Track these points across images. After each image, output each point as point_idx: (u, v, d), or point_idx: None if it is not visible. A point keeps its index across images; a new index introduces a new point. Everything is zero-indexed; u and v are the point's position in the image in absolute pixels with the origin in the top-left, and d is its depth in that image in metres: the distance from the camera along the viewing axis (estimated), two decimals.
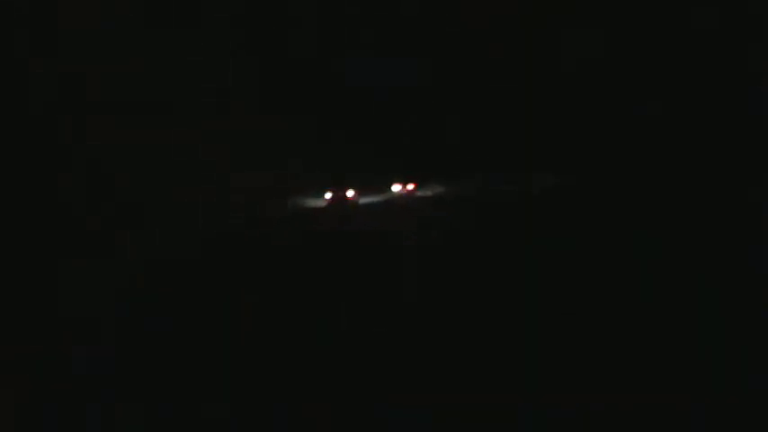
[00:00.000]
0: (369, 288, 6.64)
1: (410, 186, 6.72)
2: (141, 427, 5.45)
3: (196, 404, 5.61)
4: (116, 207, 6.92)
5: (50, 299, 6.64)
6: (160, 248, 6.90)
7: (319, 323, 6.55)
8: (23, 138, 6.83)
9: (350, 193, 6.66)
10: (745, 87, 6.44)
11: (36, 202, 6.82)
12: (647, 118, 6.70)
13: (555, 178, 6.64)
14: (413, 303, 6.53)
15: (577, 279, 6.40)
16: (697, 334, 5.74)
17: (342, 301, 6.62)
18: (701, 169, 6.51)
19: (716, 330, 5.71)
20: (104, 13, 6.90)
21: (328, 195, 6.66)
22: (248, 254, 6.89)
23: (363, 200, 6.71)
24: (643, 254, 6.37)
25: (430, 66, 6.82)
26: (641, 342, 5.77)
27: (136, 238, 6.89)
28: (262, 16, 6.96)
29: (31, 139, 6.84)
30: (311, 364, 6.05)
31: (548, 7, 6.86)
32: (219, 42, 6.80)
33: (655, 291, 6.16)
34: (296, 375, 5.91)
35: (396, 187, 6.70)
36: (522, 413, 5.12)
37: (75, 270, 6.75)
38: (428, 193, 6.79)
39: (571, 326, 6.02)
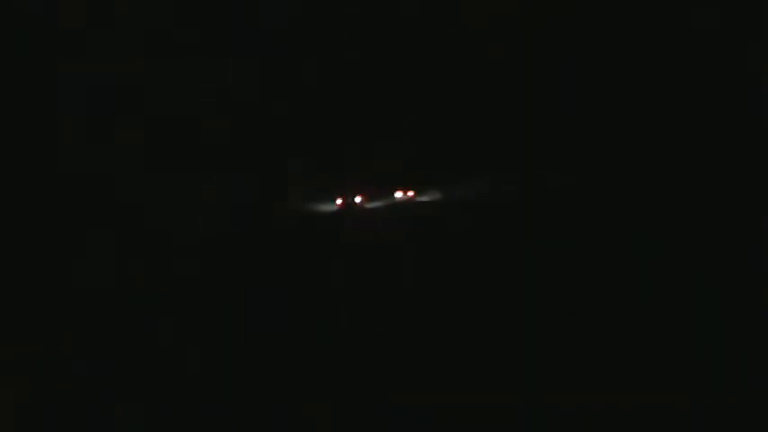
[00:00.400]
0: (372, 288, 6.65)
1: (410, 193, 6.96)
2: (141, 427, 5.46)
3: (196, 404, 5.61)
4: (116, 207, 6.93)
5: (50, 299, 6.65)
6: (162, 248, 6.91)
7: (320, 323, 6.56)
8: (23, 137, 6.84)
9: (358, 199, 6.91)
10: (745, 87, 6.45)
11: (35, 201, 6.82)
12: (647, 118, 6.70)
13: (555, 178, 6.64)
14: (413, 303, 6.53)
15: (577, 279, 6.40)
16: (697, 334, 5.74)
17: (344, 301, 6.63)
18: (701, 169, 6.52)
19: (716, 330, 5.72)
20: (105, 12, 6.91)
21: (339, 201, 6.93)
22: (258, 254, 6.95)
23: (370, 205, 6.94)
24: (643, 254, 6.37)
25: (430, 66, 6.83)
26: (641, 342, 5.77)
27: (136, 238, 6.89)
28: (261, 17, 6.98)
29: (31, 138, 6.86)
30: (311, 364, 6.05)
31: (548, 7, 6.87)
32: (220, 43, 6.81)
33: (655, 291, 6.16)
34: (296, 375, 5.91)
35: (398, 194, 6.96)
36: (522, 413, 5.13)
37: (75, 270, 6.76)
38: (427, 198, 6.98)
39: (571, 326, 6.02)
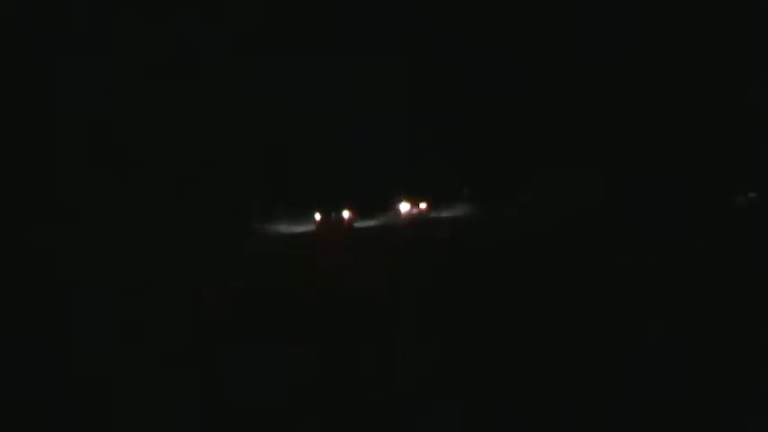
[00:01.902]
0: (369, 293, 6.65)
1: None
2: (142, 426, 5.45)
3: (198, 403, 5.61)
4: (116, 209, 6.93)
5: (51, 298, 6.65)
6: (161, 250, 6.92)
7: (320, 325, 6.55)
8: (24, 138, 6.83)
9: (345, 215, 5.33)
10: (745, 87, 6.44)
11: (37, 202, 6.82)
12: (647, 118, 6.69)
13: (555, 178, 6.63)
14: (414, 302, 6.53)
15: (577, 278, 6.40)
16: (697, 334, 5.74)
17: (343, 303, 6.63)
18: (701, 169, 6.51)
19: (716, 330, 5.72)
20: (107, 14, 6.90)
21: (317, 217, 5.28)
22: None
23: (361, 223, 5.38)
24: (643, 253, 6.38)
25: (429, 66, 6.82)
26: (641, 342, 5.77)
27: (135, 239, 6.89)
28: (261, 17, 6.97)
29: (32, 139, 6.85)
30: (313, 364, 6.05)
31: (548, 7, 6.86)
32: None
33: (654, 290, 6.16)
34: (298, 375, 5.91)
35: (404, 206, 5.42)
36: (522, 413, 5.12)
37: (76, 270, 6.76)
38: (443, 214, 5.72)
39: (571, 326, 6.02)
